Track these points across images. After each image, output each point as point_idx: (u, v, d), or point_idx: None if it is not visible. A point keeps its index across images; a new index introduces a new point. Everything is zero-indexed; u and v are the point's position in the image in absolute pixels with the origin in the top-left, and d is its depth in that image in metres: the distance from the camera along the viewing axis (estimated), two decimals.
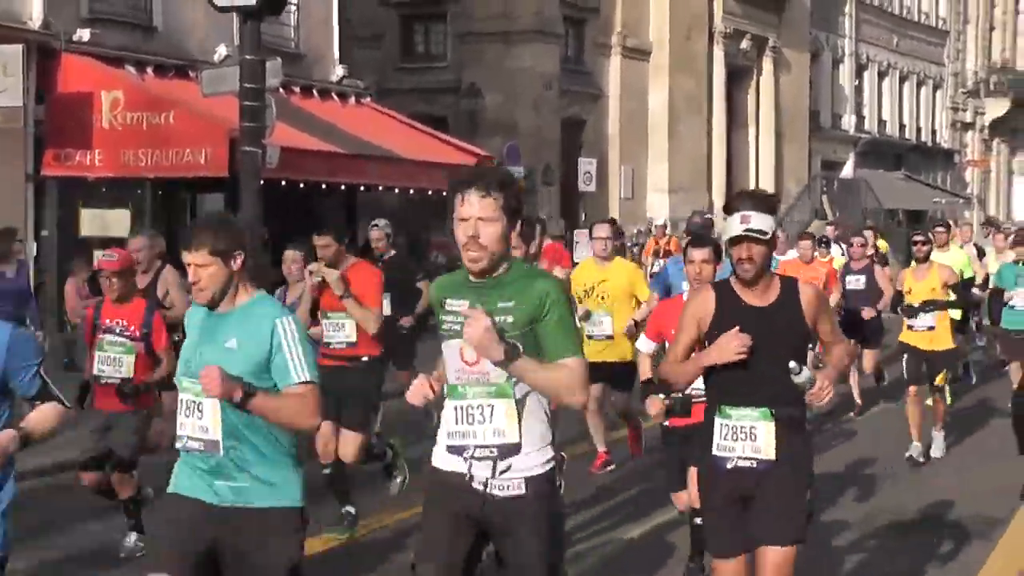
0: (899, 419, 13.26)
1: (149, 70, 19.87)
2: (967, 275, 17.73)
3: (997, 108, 57.65)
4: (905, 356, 12.63)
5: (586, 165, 32.17)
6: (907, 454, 12.43)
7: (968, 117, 57.33)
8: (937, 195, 49.22)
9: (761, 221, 5.68)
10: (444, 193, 24.51)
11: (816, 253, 15.97)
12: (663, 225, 26.90)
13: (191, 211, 23.14)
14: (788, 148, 43.40)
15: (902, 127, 52.95)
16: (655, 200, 36.65)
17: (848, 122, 48.92)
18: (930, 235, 13.59)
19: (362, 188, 22.71)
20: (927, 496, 11.09)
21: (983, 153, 58.13)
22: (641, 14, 36.39)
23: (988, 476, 11.73)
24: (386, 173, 21.87)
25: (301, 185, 20.25)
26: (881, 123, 51.38)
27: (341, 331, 9.53)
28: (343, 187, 22.01)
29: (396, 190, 23.27)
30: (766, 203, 5.78)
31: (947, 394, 13.30)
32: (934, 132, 55.44)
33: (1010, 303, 13.88)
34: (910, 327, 12.55)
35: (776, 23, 42.06)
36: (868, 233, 19.04)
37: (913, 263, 12.95)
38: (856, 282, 15.25)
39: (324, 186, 21.09)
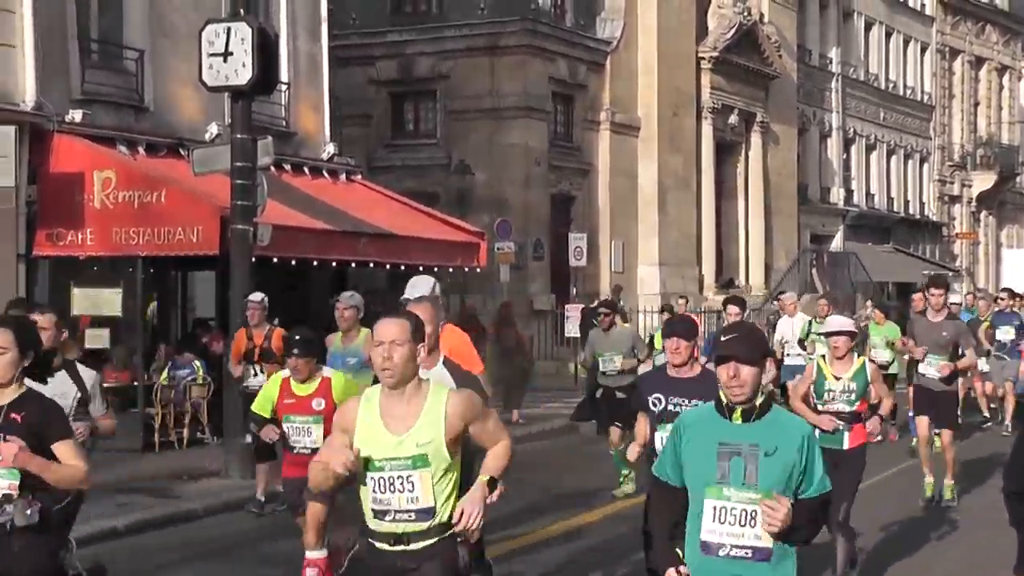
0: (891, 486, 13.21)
1: (141, 149, 19.96)
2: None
3: (984, 181, 58.01)
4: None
5: (576, 240, 32.28)
6: None
7: (955, 190, 57.67)
8: (926, 268, 49.35)
9: None
10: (435, 269, 24.61)
11: None
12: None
13: (183, 289, 23.20)
14: (777, 222, 43.60)
15: (890, 200, 53.24)
16: (646, 274, 36.75)
17: (836, 195, 49.18)
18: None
19: (353, 265, 22.77)
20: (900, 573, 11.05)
21: (971, 225, 58.41)
22: (629, 90, 36.69)
23: (961, 554, 11.69)
24: (377, 250, 21.92)
25: (292, 262, 20.29)
26: (869, 196, 51.65)
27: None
28: (334, 264, 22.06)
29: (387, 266, 23.33)
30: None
31: None
32: (922, 205, 55.73)
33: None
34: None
35: (763, 98, 42.41)
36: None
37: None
38: None
39: (315, 263, 21.14)
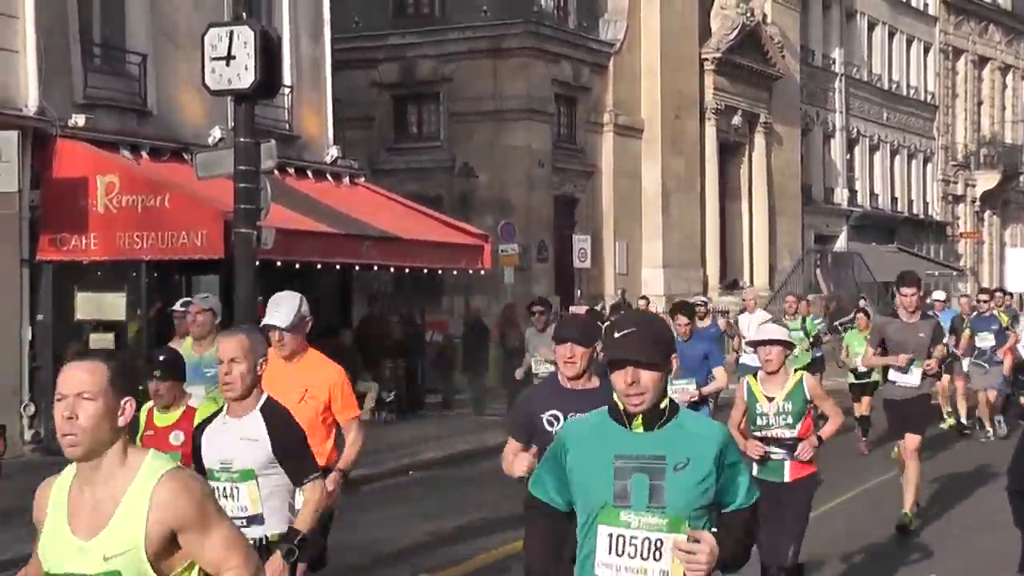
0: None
1: (144, 153, 19.94)
2: None
3: (988, 180, 58.00)
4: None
5: (580, 242, 32.27)
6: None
7: (959, 190, 57.65)
8: (930, 267, 49.36)
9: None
10: (440, 272, 24.61)
11: None
12: None
13: (187, 293, 23.16)
14: (781, 222, 43.58)
15: (894, 200, 53.22)
16: (650, 275, 36.73)
17: (840, 196, 49.16)
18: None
19: (357, 268, 22.75)
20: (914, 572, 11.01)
21: (975, 225, 58.39)
22: (632, 92, 36.67)
23: (961, 561, 11.63)
24: (381, 253, 21.91)
25: (296, 266, 20.28)
26: (873, 196, 51.64)
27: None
28: (338, 267, 22.04)
29: (392, 269, 23.31)
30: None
31: None
32: (926, 205, 55.72)
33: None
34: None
35: (766, 99, 42.39)
36: None
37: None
38: None
39: (320, 266, 21.13)
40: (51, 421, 16.06)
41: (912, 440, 12.32)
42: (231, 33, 15.80)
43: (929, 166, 56.05)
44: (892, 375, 12.31)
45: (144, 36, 20.59)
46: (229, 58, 15.75)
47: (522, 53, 33.14)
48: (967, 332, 19.62)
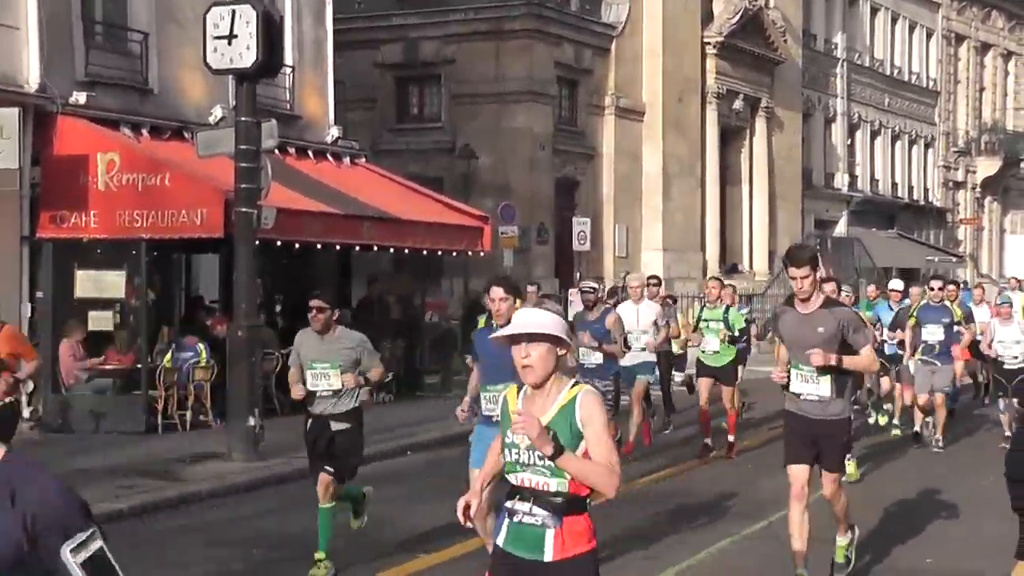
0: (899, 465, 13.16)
1: (145, 132, 19.95)
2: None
3: (988, 167, 57.98)
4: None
5: (580, 225, 32.28)
6: None
7: (960, 176, 57.64)
8: (930, 253, 49.39)
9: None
10: (439, 253, 24.62)
11: None
12: None
13: (186, 272, 23.20)
14: (781, 207, 43.58)
15: (894, 186, 53.21)
16: (650, 259, 36.74)
17: (841, 181, 49.15)
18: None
19: (357, 248, 22.76)
20: (920, 549, 11.04)
21: (975, 211, 58.38)
22: (634, 75, 36.64)
23: (979, 531, 11.66)
24: (381, 233, 21.93)
25: (296, 245, 20.30)
26: (874, 182, 51.62)
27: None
28: (338, 247, 22.06)
29: (391, 250, 23.33)
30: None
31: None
32: (926, 191, 55.70)
33: None
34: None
35: (768, 84, 42.35)
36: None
37: None
38: None
39: (319, 246, 21.14)
40: (49, 399, 16.16)
41: (830, 480, 9.64)
42: (233, 12, 15.82)
43: (930, 152, 56.03)
44: (794, 386, 9.39)
45: (146, 14, 20.59)
46: (231, 37, 15.78)
47: (524, 35, 33.12)
48: (911, 322, 17.39)
